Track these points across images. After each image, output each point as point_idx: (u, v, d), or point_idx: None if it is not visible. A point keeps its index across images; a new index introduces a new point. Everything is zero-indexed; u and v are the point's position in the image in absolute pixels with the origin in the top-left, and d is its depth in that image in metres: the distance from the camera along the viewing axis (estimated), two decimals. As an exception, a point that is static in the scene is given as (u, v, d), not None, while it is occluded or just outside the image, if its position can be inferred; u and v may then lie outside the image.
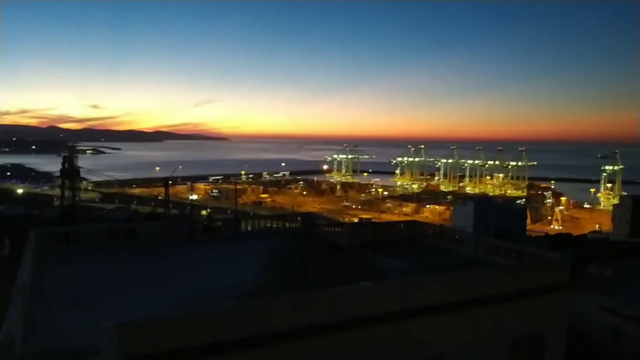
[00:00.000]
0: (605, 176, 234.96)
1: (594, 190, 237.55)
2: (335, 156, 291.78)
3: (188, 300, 16.02)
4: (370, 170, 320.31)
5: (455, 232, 28.50)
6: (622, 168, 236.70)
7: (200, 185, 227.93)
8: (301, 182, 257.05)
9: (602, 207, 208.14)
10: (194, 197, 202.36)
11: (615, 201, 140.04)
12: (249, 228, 28.59)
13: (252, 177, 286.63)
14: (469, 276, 15.96)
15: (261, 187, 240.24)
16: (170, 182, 76.32)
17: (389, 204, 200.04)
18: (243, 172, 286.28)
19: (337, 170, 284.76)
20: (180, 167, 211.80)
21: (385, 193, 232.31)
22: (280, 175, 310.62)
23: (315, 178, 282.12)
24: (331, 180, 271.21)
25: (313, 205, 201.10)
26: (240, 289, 17.31)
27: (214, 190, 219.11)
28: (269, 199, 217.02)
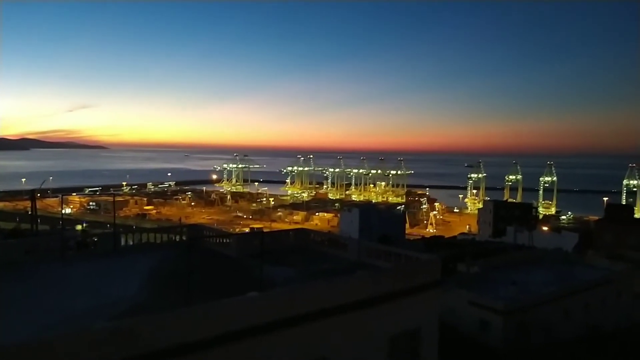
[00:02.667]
0: (471, 183, 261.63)
1: (462, 196, 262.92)
2: (225, 166, 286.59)
3: (58, 323, 14.62)
4: (261, 180, 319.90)
5: (340, 238, 29.62)
6: (485, 176, 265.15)
7: (75, 198, 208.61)
8: (189, 193, 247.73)
9: (469, 211, 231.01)
10: (67, 210, 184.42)
11: (480, 206, 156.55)
12: (130, 242, 26.91)
13: (136, 188, 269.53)
14: (351, 280, 16.76)
15: (145, 199, 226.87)
16: (38, 194, 68.83)
17: (279, 213, 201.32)
18: (124, 183, 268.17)
19: (227, 180, 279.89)
20: (51, 178, 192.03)
21: (272, 202, 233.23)
22: (166, 185, 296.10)
23: (204, 188, 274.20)
24: (221, 190, 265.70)
25: (202, 216, 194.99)
26: (117, 307, 16.23)
27: (90, 203, 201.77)
28: (154, 211, 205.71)
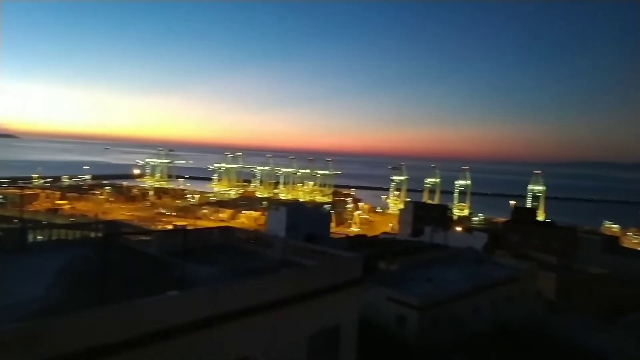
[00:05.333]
0: (393, 185, 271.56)
1: (385, 196, 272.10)
2: (148, 160, 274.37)
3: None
4: (187, 176, 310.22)
5: (266, 236, 29.60)
6: (407, 178, 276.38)
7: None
8: (108, 188, 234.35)
9: (391, 211, 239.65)
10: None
11: (401, 206, 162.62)
12: (39, 239, 25.06)
13: (49, 181, 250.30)
14: (275, 278, 16.88)
15: (58, 193, 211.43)
16: None
17: (205, 210, 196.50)
18: (36, 175, 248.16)
19: (150, 175, 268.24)
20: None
21: (193, 199, 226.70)
22: (83, 179, 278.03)
23: (124, 183, 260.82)
24: (143, 185, 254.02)
25: (122, 212, 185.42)
26: (23, 309, 15.11)
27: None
28: (68, 206, 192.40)
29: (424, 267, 46.77)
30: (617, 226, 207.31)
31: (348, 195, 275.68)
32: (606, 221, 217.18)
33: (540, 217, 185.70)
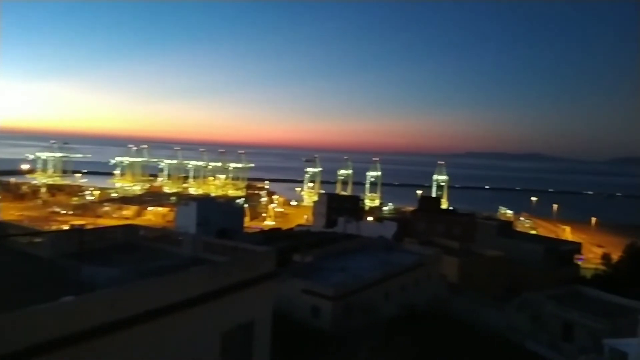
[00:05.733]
0: (308, 177, 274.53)
1: (299, 189, 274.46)
2: (39, 154, 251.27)
3: None
4: (85, 171, 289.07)
5: (174, 233, 28.27)
6: (320, 170, 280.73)
7: None
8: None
9: (305, 203, 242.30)
10: None
11: (316, 198, 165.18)
12: None
13: None
14: (183, 277, 16.08)
15: None
16: None
17: (107, 208, 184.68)
18: None
19: (42, 171, 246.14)
20: None
21: (92, 196, 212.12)
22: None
23: (12, 180, 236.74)
24: (34, 182, 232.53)
25: (10, 212, 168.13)
26: None
27: None
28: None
29: (337, 258, 47.64)
30: (510, 212, 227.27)
31: (262, 189, 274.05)
32: (501, 207, 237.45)
33: (444, 205, 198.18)
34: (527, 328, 44.02)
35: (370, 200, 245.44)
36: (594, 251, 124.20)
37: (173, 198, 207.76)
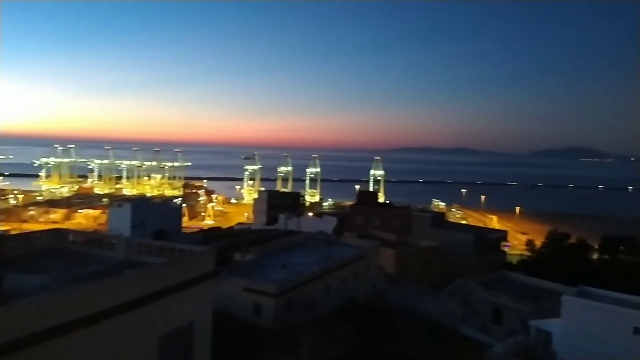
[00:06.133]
0: (247, 174, 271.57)
1: (239, 187, 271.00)
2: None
3: None
4: (7, 173, 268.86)
5: (106, 236, 27.16)
6: (260, 167, 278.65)
7: None
8: None
9: (246, 201, 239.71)
10: None
11: (256, 196, 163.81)
12: None
13: None
14: (117, 281, 15.56)
15: None
16: None
17: (32, 212, 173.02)
18: None
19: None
20: None
21: (15, 199, 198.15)
22: None
23: None
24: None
25: None
26: None
27: None
28: None
29: (279, 254, 47.71)
30: (443, 203, 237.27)
31: (200, 187, 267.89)
32: (434, 199, 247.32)
33: (381, 199, 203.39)
34: (460, 313, 46.38)
35: (311, 196, 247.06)
36: (519, 238, 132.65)
37: (105, 200, 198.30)
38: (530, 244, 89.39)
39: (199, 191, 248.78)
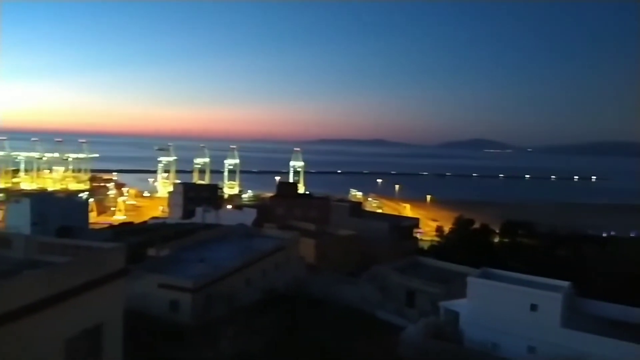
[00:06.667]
0: (161, 166, 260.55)
1: (153, 179, 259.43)
2: None
3: None
4: None
5: (2, 234, 24.75)
6: (175, 159, 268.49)
7: None
8: None
9: (160, 194, 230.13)
10: None
11: (171, 188, 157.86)
12: None
13: None
14: (14, 282, 14.18)
15: None
16: None
17: None
18: None
19: None
20: None
21: None
22: None
23: None
24: None
25: None
26: None
27: None
28: None
29: (196, 249, 46.49)
30: (360, 193, 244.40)
31: (110, 180, 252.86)
32: (352, 189, 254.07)
33: (301, 190, 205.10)
34: (377, 298, 48.19)
35: (230, 188, 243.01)
36: (430, 225, 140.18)
37: (1, 195, 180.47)
38: (439, 230, 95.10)
39: (108, 185, 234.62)
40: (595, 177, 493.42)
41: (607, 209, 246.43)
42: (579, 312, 35.26)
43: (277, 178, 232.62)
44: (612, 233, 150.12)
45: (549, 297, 33.36)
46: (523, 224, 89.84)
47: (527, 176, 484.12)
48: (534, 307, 33.42)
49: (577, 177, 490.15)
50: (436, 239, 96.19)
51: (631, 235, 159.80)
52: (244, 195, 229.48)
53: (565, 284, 35.61)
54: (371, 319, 43.59)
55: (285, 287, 45.14)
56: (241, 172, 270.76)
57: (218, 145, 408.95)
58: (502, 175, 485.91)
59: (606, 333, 31.33)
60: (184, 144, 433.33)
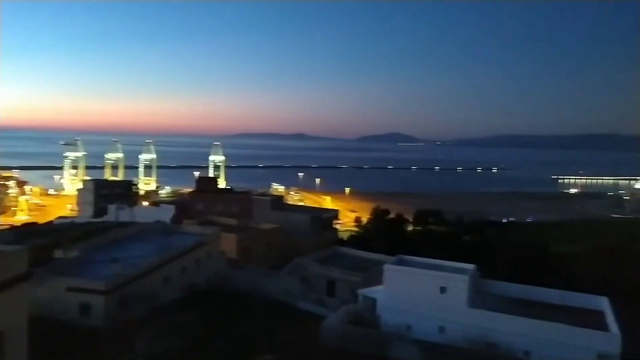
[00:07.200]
0: (69, 163, 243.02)
1: (59, 176, 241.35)
2: None
3: None
4: None
5: None
6: (85, 154, 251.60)
7: None
8: None
9: (68, 192, 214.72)
10: None
11: (80, 186, 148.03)
12: None
13: None
14: None
15: None
16: None
17: None
18: None
19: None
20: None
21: None
22: None
23: None
24: None
25: None
26: None
27: None
28: None
29: (110, 248, 44.36)
30: (282, 187, 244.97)
31: (10, 178, 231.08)
32: (274, 183, 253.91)
33: (222, 184, 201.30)
34: (299, 289, 48.99)
35: (146, 184, 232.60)
36: (349, 216, 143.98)
37: None
38: (358, 220, 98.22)
39: (8, 182, 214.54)
40: (495, 168, 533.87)
41: (507, 196, 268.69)
42: (483, 292, 38.37)
43: (197, 173, 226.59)
44: (512, 219, 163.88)
45: (456, 279, 35.98)
46: (433, 212, 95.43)
47: (437, 168, 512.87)
48: (443, 290, 35.87)
49: (480, 168, 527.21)
50: (355, 229, 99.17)
51: (528, 220, 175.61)
52: (161, 192, 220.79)
53: (471, 266, 38.57)
54: (293, 310, 44.25)
55: (207, 284, 44.49)
56: (158, 167, 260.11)
57: (132, 139, 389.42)
58: (414, 167, 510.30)
59: (508, 311, 34.47)
60: (95, 139, 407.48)
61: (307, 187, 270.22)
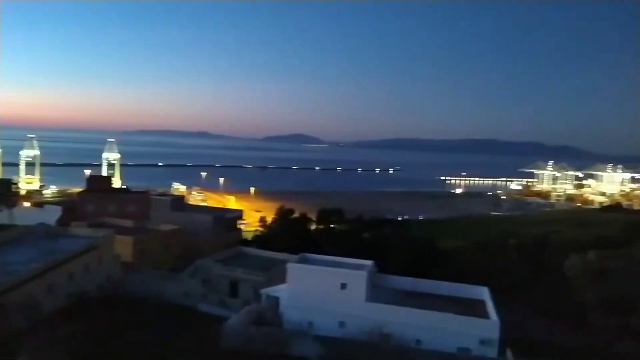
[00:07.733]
0: None
1: None
2: None
3: None
4: None
5: None
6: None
7: None
8: None
9: None
10: None
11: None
12: None
13: None
14: None
15: None
16: None
17: None
18: None
19: None
20: None
21: None
22: None
23: None
24: None
25: None
26: None
27: None
28: None
29: (-18, 254, 39.68)
30: (183, 187, 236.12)
31: None
32: (174, 183, 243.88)
33: (117, 184, 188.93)
34: (200, 291, 47.77)
35: (28, 183, 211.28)
36: (254, 216, 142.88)
37: None
38: (263, 220, 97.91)
39: None
40: (392, 169, 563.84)
41: (402, 196, 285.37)
42: (380, 286, 40.45)
43: (88, 171, 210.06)
44: (406, 217, 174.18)
45: (355, 275, 37.56)
46: (335, 211, 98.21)
47: (339, 168, 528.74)
48: (343, 286, 37.23)
49: (378, 169, 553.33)
50: (260, 229, 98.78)
51: (420, 218, 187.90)
52: (45, 191, 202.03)
53: (370, 262, 40.47)
54: (193, 313, 43.06)
55: (98, 290, 41.71)
56: (42, 164, 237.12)
57: (11, 133, 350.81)
58: (318, 167, 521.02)
59: (402, 303, 36.72)
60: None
61: (210, 186, 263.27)
